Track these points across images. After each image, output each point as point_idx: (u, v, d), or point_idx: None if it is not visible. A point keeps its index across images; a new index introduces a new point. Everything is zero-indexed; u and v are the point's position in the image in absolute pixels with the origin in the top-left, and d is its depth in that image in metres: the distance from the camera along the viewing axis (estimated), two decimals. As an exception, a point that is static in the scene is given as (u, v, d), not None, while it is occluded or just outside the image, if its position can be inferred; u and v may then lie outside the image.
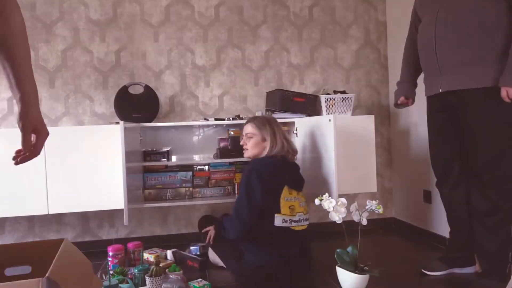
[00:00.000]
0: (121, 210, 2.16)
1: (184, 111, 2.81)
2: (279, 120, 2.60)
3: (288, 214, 1.89)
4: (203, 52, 2.83)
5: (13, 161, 1.05)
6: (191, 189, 2.62)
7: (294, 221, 1.90)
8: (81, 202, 2.26)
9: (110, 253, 2.21)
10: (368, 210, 1.83)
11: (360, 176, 2.48)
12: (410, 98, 2.13)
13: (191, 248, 2.37)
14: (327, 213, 1.82)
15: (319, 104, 2.70)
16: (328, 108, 2.65)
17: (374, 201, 1.84)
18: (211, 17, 2.83)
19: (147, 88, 2.60)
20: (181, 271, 1.97)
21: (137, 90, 2.61)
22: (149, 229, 2.77)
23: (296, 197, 1.95)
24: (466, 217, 1.93)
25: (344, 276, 1.77)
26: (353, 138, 2.48)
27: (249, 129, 2.09)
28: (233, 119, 2.64)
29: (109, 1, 2.71)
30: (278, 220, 1.86)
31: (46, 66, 2.66)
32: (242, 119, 2.65)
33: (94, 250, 2.59)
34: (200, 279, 1.89)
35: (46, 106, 2.64)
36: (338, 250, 1.81)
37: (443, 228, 2.46)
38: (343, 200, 1.82)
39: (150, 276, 1.80)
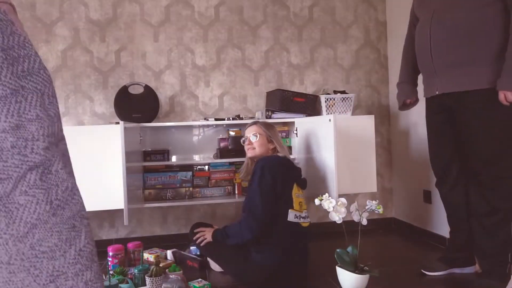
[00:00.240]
0: (121, 210, 2.16)
1: (184, 111, 2.81)
2: (279, 120, 2.62)
3: (298, 210, 1.93)
4: (203, 52, 2.83)
5: None
6: (191, 189, 2.62)
7: (302, 217, 1.95)
8: (81, 202, 2.26)
9: (110, 253, 2.21)
10: (368, 210, 1.83)
11: (360, 176, 2.48)
12: (412, 98, 2.13)
13: (191, 248, 2.37)
14: (327, 213, 1.82)
15: (319, 104, 2.70)
16: (328, 108, 2.65)
17: (374, 201, 1.84)
18: (211, 17, 2.83)
19: (147, 88, 2.60)
20: (181, 271, 1.97)
21: (137, 90, 2.61)
22: (149, 229, 2.77)
23: (302, 194, 2.02)
24: (465, 217, 1.93)
25: (344, 276, 1.77)
26: (353, 138, 2.48)
27: (255, 129, 2.11)
28: (233, 119, 2.64)
29: (109, 1, 2.71)
30: (291, 215, 1.90)
31: (46, 66, 2.64)
32: (242, 119, 2.65)
33: (94, 250, 2.59)
34: (200, 279, 1.89)
35: (46, 106, 2.64)
36: (338, 250, 1.81)
37: (443, 228, 2.46)
38: (343, 200, 1.82)
39: (150, 276, 1.80)
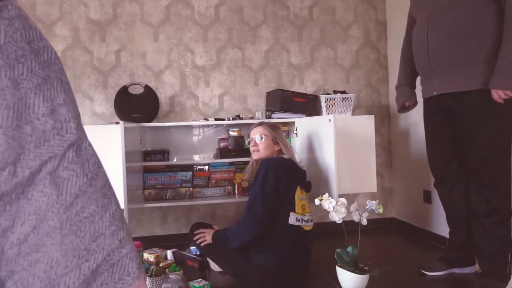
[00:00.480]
0: (121, 210, 2.16)
1: (184, 111, 2.81)
2: (279, 120, 2.61)
3: (301, 213, 1.91)
4: (203, 52, 2.83)
5: None
6: (191, 189, 2.62)
7: (305, 221, 1.93)
8: (81, 202, 2.26)
9: (110, 253, 2.21)
10: (368, 210, 1.83)
11: (360, 176, 2.48)
12: (411, 101, 2.14)
13: (191, 248, 2.37)
14: (327, 213, 1.82)
15: (319, 104, 2.70)
16: (328, 108, 2.65)
17: (374, 201, 1.84)
18: (211, 17, 2.83)
19: (147, 88, 2.60)
20: (181, 271, 1.97)
21: (137, 90, 2.61)
22: (149, 229, 2.77)
23: (306, 197, 1.99)
24: (464, 217, 1.93)
25: (344, 276, 1.77)
26: (353, 138, 2.48)
27: (260, 130, 2.08)
28: (233, 119, 2.64)
29: (109, 1, 2.71)
30: (292, 218, 1.88)
31: (46, 66, 2.65)
32: (242, 119, 2.65)
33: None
34: (200, 279, 1.89)
35: (46, 106, 2.64)
36: (338, 250, 1.81)
37: (443, 228, 2.46)
38: (343, 200, 1.82)
39: (150, 276, 1.80)
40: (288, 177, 1.91)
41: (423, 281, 1.94)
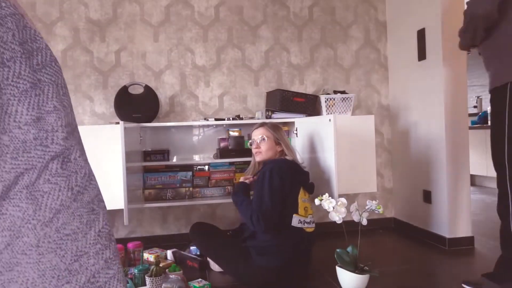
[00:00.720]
0: (121, 210, 2.16)
1: (184, 111, 2.81)
2: (279, 120, 2.61)
3: (303, 215, 1.90)
4: (203, 52, 2.83)
5: None
6: (191, 189, 2.62)
7: (307, 223, 1.92)
8: (81, 202, 2.26)
9: (110, 253, 2.21)
10: (368, 210, 1.83)
11: (360, 176, 2.48)
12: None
13: (191, 248, 2.37)
14: (327, 213, 1.82)
15: (319, 104, 2.70)
16: (328, 108, 2.65)
17: (374, 201, 1.84)
18: (211, 17, 2.83)
19: (147, 88, 2.60)
20: (181, 271, 1.97)
21: (137, 90, 2.61)
22: (149, 229, 2.78)
23: (309, 199, 1.99)
24: None
25: (344, 276, 1.77)
26: (353, 138, 2.48)
27: (262, 131, 2.07)
28: (233, 119, 2.64)
29: (109, 1, 2.71)
30: (295, 220, 1.87)
31: (46, 66, 2.65)
32: (242, 119, 2.65)
33: (94, 250, 2.59)
34: (200, 279, 1.89)
35: (46, 106, 2.64)
36: (338, 250, 1.81)
37: (442, 228, 2.46)
38: (343, 200, 1.82)
39: (150, 276, 1.80)
40: (292, 179, 1.90)
41: (423, 281, 1.94)
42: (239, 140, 2.61)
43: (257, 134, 2.09)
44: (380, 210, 1.82)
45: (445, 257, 2.28)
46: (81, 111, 2.70)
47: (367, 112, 3.01)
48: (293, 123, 2.66)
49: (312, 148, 2.39)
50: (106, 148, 2.27)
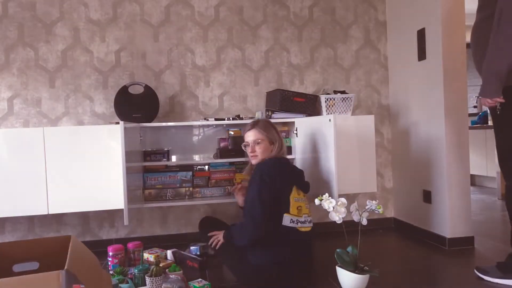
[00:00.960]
0: (121, 210, 2.16)
1: (184, 111, 2.81)
2: (279, 120, 2.62)
3: (296, 215, 1.89)
4: (203, 52, 2.83)
5: None
6: (191, 189, 2.62)
7: (301, 222, 1.90)
8: (81, 202, 2.26)
9: (110, 253, 2.21)
10: (368, 210, 1.83)
11: (360, 176, 2.48)
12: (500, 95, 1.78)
13: (191, 248, 2.37)
14: (327, 213, 1.82)
15: (319, 104, 2.70)
16: (328, 108, 2.65)
17: (374, 201, 1.84)
18: (211, 17, 2.83)
19: (147, 88, 2.60)
20: (181, 271, 1.97)
21: (137, 90, 2.61)
22: (149, 229, 2.78)
23: (303, 198, 1.96)
24: None
25: (344, 276, 1.77)
26: (353, 138, 2.48)
27: (255, 135, 2.04)
28: (233, 119, 2.64)
29: (109, 1, 2.72)
30: (286, 220, 1.86)
31: (46, 66, 2.66)
32: (242, 119, 2.65)
33: (94, 250, 2.57)
34: (200, 279, 1.89)
35: (46, 106, 2.64)
36: (338, 250, 1.80)
37: (443, 228, 2.46)
38: (343, 200, 1.82)
39: (150, 276, 1.80)
40: (282, 178, 1.89)
41: (423, 281, 1.94)
42: (239, 140, 2.60)
43: (250, 137, 2.06)
44: (380, 210, 1.82)
45: (445, 257, 2.28)
46: (81, 111, 2.70)
47: (367, 112, 3.01)
48: (293, 123, 2.66)
49: (312, 148, 2.39)
50: (106, 148, 2.27)
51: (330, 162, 2.13)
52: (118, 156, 2.15)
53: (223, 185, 2.67)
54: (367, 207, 1.84)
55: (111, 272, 2.10)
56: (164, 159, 2.57)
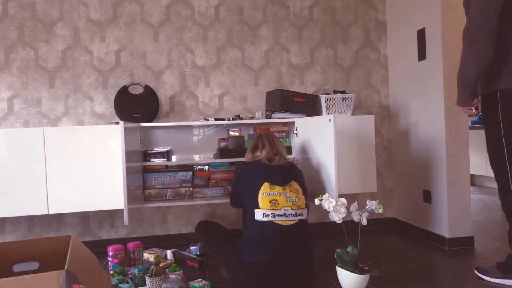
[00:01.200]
0: (121, 210, 2.17)
1: (184, 111, 2.81)
2: (279, 120, 2.62)
3: (269, 208, 1.89)
4: (203, 52, 2.83)
5: None
6: (191, 189, 2.62)
7: (278, 215, 1.88)
8: (81, 202, 2.26)
9: (110, 253, 2.21)
10: (368, 210, 1.83)
11: (360, 176, 2.48)
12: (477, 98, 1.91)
13: (191, 248, 2.37)
14: (327, 213, 1.82)
15: (319, 104, 2.70)
16: (328, 108, 2.65)
17: (374, 201, 1.84)
18: (211, 17, 2.83)
19: (147, 88, 2.60)
20: (181, 271, 1.97)
21: (137, 90, 2.61)
22: (149, 229, 2.78)
23: (282, 192, 1.94)
24: None
25: (344, 276, 1.77)
26: (353, 138, 2.48)
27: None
28: (233, 119, 2.64)
29: (109, 1, 2.72)
30: (258, 215, 1.89)
31: (46, 66, 2.66)
32: (242, 119, 2.65)
33: (94, 250, 2.58)
34: (200, 279, 1.89)
35: (46, 106, 2.64)
36: (338, 250, 1.81)
37: (443, 228, 2.46)
38: (343, 200, 1.82)
39: (150, 276, 1.80)
40: (252, 177, 2.00)
41: (423, 281, 1.94)
42: (239, 140, 2.61)
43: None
44: (380, 210, 1.82)
45: (445, 257, 2.28)
46: (81, 111, 2.70)
47: (367, 112, 3.01)
48: (293, 123, 2.66)
49: (312, 148, 2.39)
50: (106, 148, 2.27)
51: (330, 162, 2.13)
52: (118, 156, 2.15)
53: (223, 185, 2.67)
54: (367, 207, 1.84)
55: (111, 272, 2.10)
56: (164, 159, 2.57)
